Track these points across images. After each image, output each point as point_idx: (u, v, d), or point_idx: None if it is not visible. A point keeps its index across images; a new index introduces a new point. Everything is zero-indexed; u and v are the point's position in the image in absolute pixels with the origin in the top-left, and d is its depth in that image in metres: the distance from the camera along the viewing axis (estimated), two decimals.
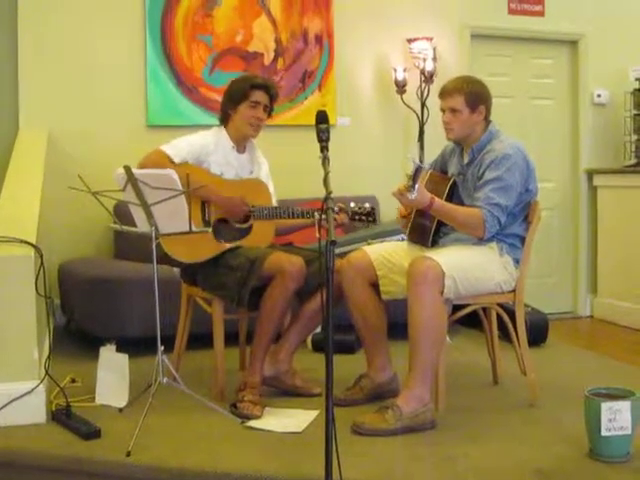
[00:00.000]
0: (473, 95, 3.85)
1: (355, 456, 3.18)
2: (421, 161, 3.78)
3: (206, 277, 4.01)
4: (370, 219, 4.02)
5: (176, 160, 3.99)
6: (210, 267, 3.97)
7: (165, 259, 3.96)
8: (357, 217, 4.01)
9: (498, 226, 3.73)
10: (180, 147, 4.06)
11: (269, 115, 4.23)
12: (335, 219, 3.95)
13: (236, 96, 4.15)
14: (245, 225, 4.09)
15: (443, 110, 3.94)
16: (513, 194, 3.75)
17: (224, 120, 4.23)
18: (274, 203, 4.26)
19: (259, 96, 4.13)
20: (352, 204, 4.03)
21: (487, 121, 3.93)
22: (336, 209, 3.90)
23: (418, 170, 3.45)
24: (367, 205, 4.03)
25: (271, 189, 4.30)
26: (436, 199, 3.67)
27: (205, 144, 4.12)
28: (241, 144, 4.24)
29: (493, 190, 3.71)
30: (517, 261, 3.89)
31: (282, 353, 4.04)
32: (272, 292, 3.86)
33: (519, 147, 3.83)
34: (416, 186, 3.48)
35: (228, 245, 3.99)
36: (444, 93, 3.96)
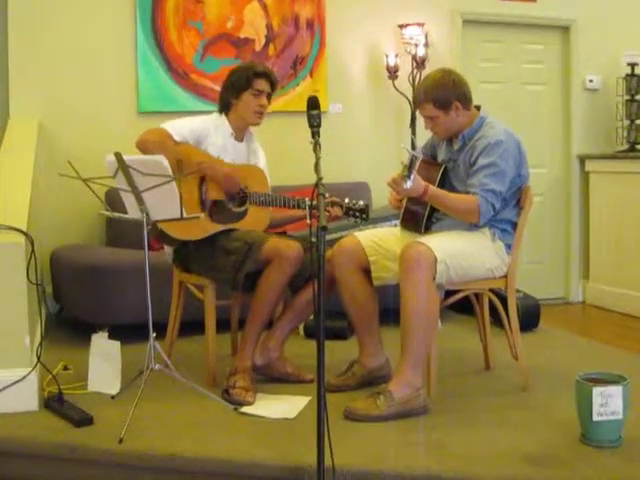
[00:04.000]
0: (439, 98, 3.80)
1: (347, 442, 3.18)
2: (414, 148, 3.79)
3: (201, 260, 4.01)
4: (363, 216, 4.03)
5: (177, 138, 4.00)
6: (206, 250, 3.97)
7: (160, 237, 3.96)
8: (350, 212, 4.03)
9: (492, 212, 3.73)
10: (181, 126, 4.07)
11: (269, 101, 4.24)
12: (329, 212, 3.97)
13: (239, 84, 4.14)
14: (241, 209, 4.09)
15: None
16: (506, 180, 3.75)
17: (225, 109, 4.21)
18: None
19: (262, 84, 4.13)
20: (347, 200, 4.04)
21: (472, 107, 3.90)
22: (327, 197, 3.90)
23: (414, 160, 3.44)
24: (361, 202, 4.04)
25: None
26: (430, 186, 3.67)
27: (205, 127, 4.13)
28: (240, 133, 4.24)
29: (487, 176, 3.70)
30: (509, 247, 3.89)
31: (272, 342, 4.04)
32: (269, 276, 3.87)
33: (511, 133, 3.82)
34: (412, 176, 3.48)
35: (223, 226, 3.99)
36: (415, 103, 3.97)
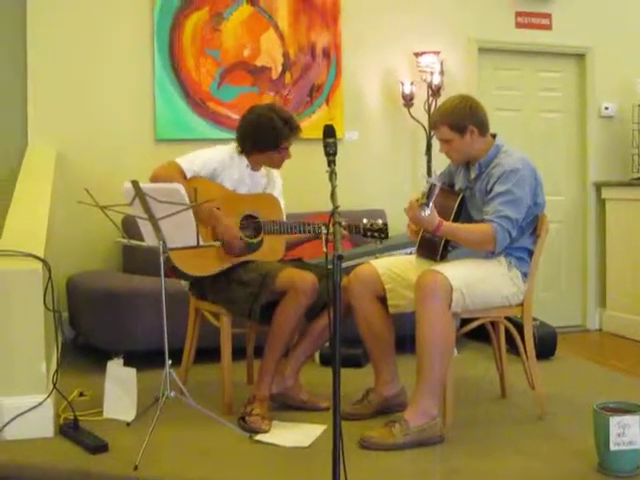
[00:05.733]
0: (455, 121, 3.81)
1: (362, 471, 3.17)
2: (431, 175, 3.78)
3: (217, 291, 4.01)
4: (382, 235, 4.00)
5: (188, 174, 4.01)
6: (222, 281, 3.97)
7: (174, 272, 3.97)
8: (369, 233, 3.99)
9: (509, 239, 3.72)
10: (195, 161, 4.07)
11: None
12: (344, 236, 3.94)
13: (266, 144, 4.10)
14: (256, 240, 4.09)
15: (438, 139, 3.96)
16: (523, 207, 3.74)
17: (244, 152, 4.18)
18: (284, 219, 4.25)
19: (289, 142, 4.14)
20: (364, 220, 4.01)
21: (488, 135, 3.90)
22: (344, 223, 3.88)
23: (432, 188, 3.44)
24: (379, 221, 4.00)
25: (282, 205, 4.30)
26: (444, 222, 3.65)
27: (220, 159, 4.12)
28: (257, 166, 4.26)
29: (502, 203, 3.70)
30: (525, 274, 3.88)
31: (288, 369, 4.04)
32: (284, 308, 3.87)
33: (527, 160, 3.82)
34: (430, 204, 3.47)
35: (238, 259, 4.00)
36: (431, 126, 3.98)
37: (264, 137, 4.10)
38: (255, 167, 4.23)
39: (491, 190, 3.77)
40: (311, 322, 4.05)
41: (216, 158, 4.12)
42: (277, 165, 4.23)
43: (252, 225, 4.10)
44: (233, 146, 4.22)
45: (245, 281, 3.90)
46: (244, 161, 4.18)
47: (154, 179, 3.92)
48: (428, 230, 3.70)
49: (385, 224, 4.00)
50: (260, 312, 3.87)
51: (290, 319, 3.87)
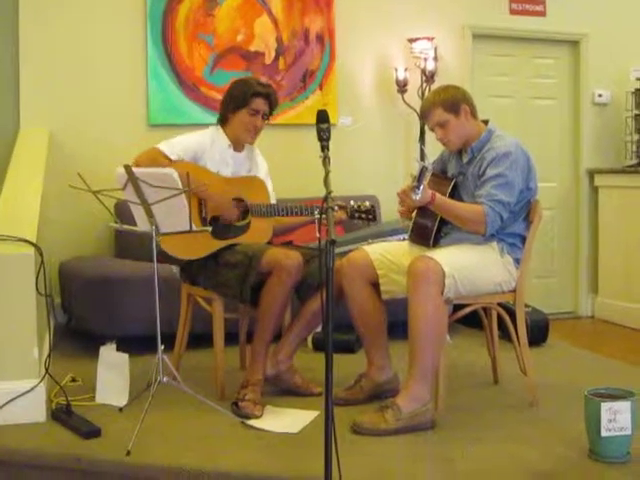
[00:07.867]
0: (448, 101, 3.84)
1: (355, 456, 3.18)
2: (423, 159, 3.75)
3: (207, 276, 4.01)
4: (370, 217, 4.00)
5: (172, 157, 4.01)
6: (210, 266, 3.97)
7: (164, 256, 3.96)
8: (357, 215, 4.00)
9: (500, 222, 3.72)
10: (176, 145, 4.07)
11: (267, 120, 4.23)
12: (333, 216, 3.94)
13: (237, 100, 4.14)
14: (243, 222, 4.09)
15: (432, 129, 3.95)
16: (515, 191, 3.74)
17: (222, 120, 4.23)
18: (272, 202, 4.25)
19: (259, 104, 4.13)
20: (352, 202, 4.02)
21: (479, 119, 3.93)
22: (336, 207, 3.88)
23: (423, 171, 3.43)
24: (367, 203, 4.01)
25: (269, 189, 4.29)
26: (437, 195, 3.66)
27: (201, 142, 4.13)
28: (239, 144, 4.24)
29: (495, 187, 3.70)
30: (518, 261, 3.88)
31: (282, 353, 4.04)
32: (270, 288, 3.87)
33: (519, 145, 3.82)
34: (421, 187, 3.47)
35: (225, 242, 3.99)
36: (423, 115, 3.99)
37: (237, 92, 4.15)
38: (236, 146, 4.22)
39: (484, 173, 3.77)
40: (304, 304, 4.05)
41: (196, 141, 4.14)
42: (246, 133, 4.16)
43: (239, 208, 4.09)
44: (213, 128, 4.24)
45: (233, 263, 3.90)
46: (225, 142, 4.18)
47: (136, 166, 3.91)
48: (422, 205, 3.69)
49: (373, 205, 4.00)
50: (251, 294, 3.88)
51: (276, 299, 3.87)
